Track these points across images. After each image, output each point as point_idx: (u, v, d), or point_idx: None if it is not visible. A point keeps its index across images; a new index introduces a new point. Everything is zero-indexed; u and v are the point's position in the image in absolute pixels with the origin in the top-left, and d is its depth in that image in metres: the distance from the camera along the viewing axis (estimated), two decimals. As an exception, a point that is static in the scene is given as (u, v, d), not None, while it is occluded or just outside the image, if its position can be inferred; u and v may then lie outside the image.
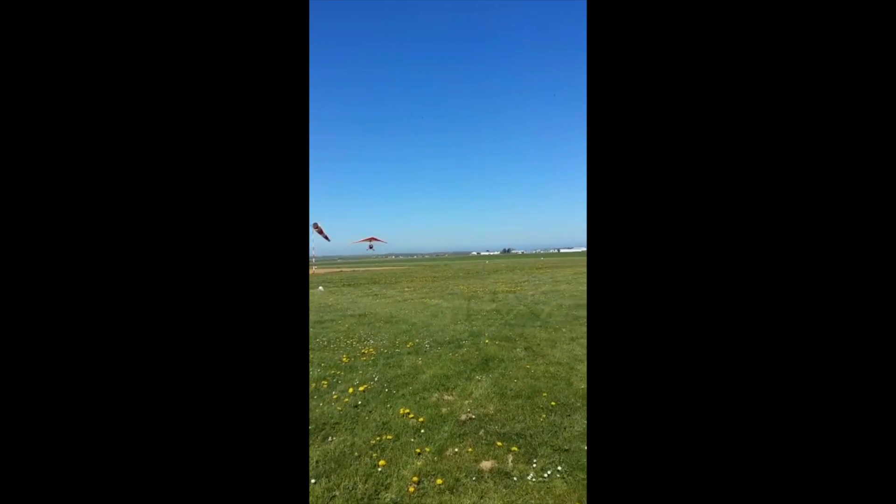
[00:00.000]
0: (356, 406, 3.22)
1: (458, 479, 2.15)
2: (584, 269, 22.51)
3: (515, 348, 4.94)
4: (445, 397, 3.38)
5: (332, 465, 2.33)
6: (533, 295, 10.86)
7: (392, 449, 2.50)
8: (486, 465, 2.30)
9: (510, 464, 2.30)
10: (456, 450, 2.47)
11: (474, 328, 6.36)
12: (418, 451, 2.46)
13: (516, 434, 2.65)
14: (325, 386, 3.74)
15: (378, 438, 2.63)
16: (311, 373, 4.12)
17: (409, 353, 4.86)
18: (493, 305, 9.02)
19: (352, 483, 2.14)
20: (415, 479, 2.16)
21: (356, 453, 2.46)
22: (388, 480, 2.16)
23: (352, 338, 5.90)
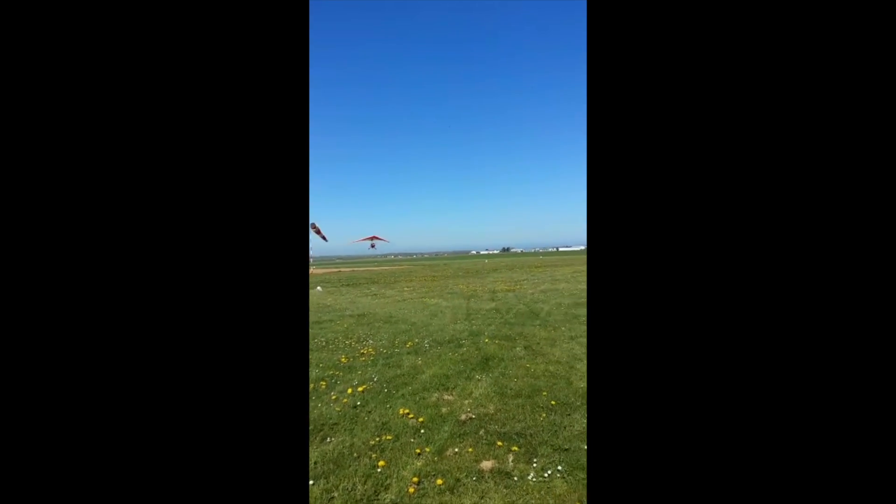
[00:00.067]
0: (355, 406, 3.20)
1: (458, 480, 2.14)
2: (583, 268, 22.54)
3: (515, 347, 4.94)
4: (445, 397, 3.36)
5: (331, 465, 2.31)
6: (532, 294, 10.85)
7: (392, 449, 2.49)
8: (487, 464, 2.28)
9: (510, 464, 2.29)
10: (456, 450, 2.46)
11: (474, 327, 6.35)
12: (418, 451, 2.44)
13: (516, 433, 2.64)
14: (323, 387, 3.72)
15: (377, 439, 2.62)
16: (309, 373, 4.10)
17: (408, 353, 4.85)
18: (493, 304, 9.01)
19: (351, 484, 2.13)
20: (415, 479, 2.14)
21: (355, 454, 2.44)
22: (388, 481, 2.15)
23: (350, 338, 5.89)
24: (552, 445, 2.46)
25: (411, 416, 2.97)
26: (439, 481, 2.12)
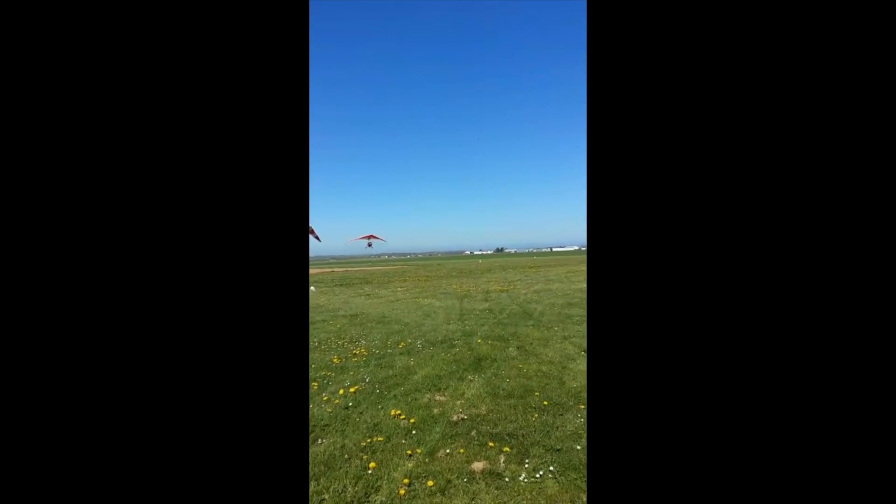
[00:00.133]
0: (347, 408, 3.18)
1: (449, 481, 2.13)
2: (576, 268, 22.64)
3: (508, 347, 4.94)
4: (437, 398, 3.35)
5: (322, 467, 2.29)
6: (525, 294, 10.87)
7: (383, 451, 2.47)
8: (478, 465, 2.27)
9: (502, 464, 2.28)
10: (447, 451, 2.45)
11: (467, 328, 6.35)
12: (409, 452, 2.43)
13: (508, 434, 2.63)
14: (315, 388, 3.69)
15: (369, 440, 2.60)
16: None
17: (401, 354, 4.83)
18: (486, 305, 9.01)
19: (341, 486, 2.11)
20: (405, 481, 2.13)
21: (346, 455, 2.42)
22: (379, 483, 2.13)
23: (343, 338, 5.85)
24: (544, 446, 2.46)
25: (403, 417, 2.96)
26: (430, 483, 2.11)
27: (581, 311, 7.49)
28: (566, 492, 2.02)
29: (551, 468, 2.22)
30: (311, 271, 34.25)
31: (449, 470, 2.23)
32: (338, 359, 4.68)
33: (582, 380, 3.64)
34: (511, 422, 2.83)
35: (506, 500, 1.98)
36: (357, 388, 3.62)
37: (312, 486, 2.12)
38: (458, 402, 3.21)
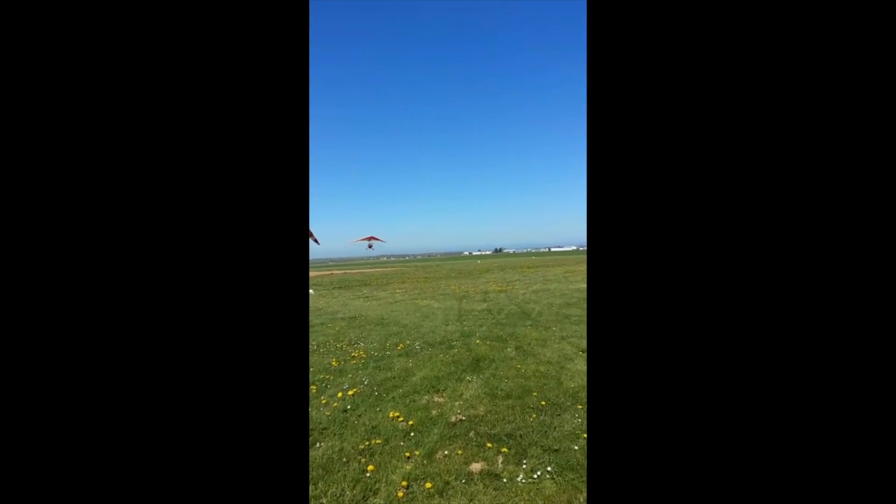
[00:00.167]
0: (345, 410, 3.18)
1: (447, 483, 2.13)
2: (574, 268, 22.66)
3: (506, 348, 4.94)
4: (436, 399, 3.36)
5: (320, 471, 2.29)
6: (524, 294, 10.88)
7: (381, 453, 2.47)
8: (476, 467, 2.28)
9: (500, 465, 2.29)
10: (446, 452, 2.45)
11: (465, 328, 6.35)
12: (407, 454, 2.43)
13: (506, 435, 2.64)
14: (313, 391, 3.69)
15: (367, 443, 2.60)
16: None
17: (399, 356, 4.83)
18: (485, 305, 9.02)
19: (339, 489, 2.11)
20: (404, 483, 2.13)
21: (344, 458, 2.42)
22: (377, 485, 2.13)
23: (342, 341, 5.85)
24: (542, 446, 2.47)
25: (401, 419, 2.96)
26: (428, 485, 2.11)
27: (579, 311, 7.50)
28: (564, 492, 2.03)
29: (549, 469, 2.22)
30: (310, 274, 34.15)
31: (447, 471, 2.23)
32: (336, 361, 4.68)
33: (579, 380, 3.65)
34: (509, 422, 2.83)
35: (504, 501, 1.99)
36: (355, 391, 3.62)
37: (310, 489, 2.12)
38: (457, 404, 3.21)
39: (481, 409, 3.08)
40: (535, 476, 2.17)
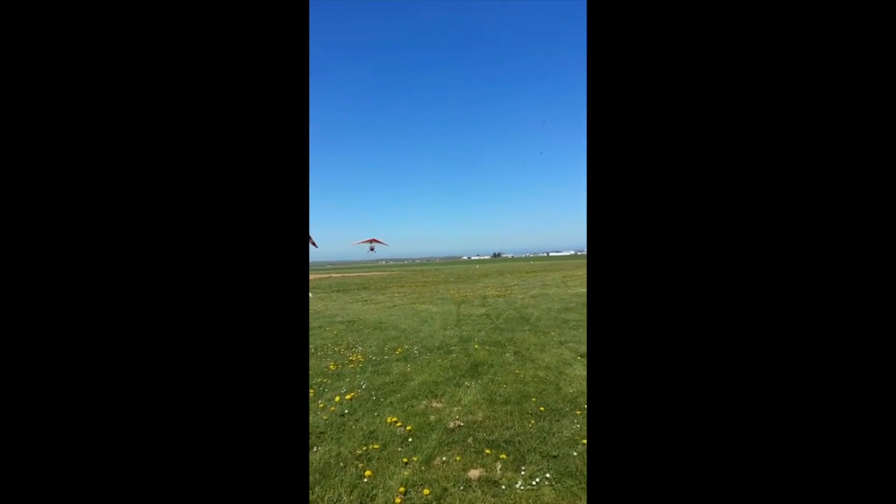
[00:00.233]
0: (342, 415, 3.16)
1: (445, 489, 2.11)
2: (573, 273, 22.66)
3: (505, 353, 4.92)
4: (434, 404, 3.34)
5: (317, 476, 2.27)
6: (522, 299, 10.87)
7: (378, 459, 2.45)
8: (475, 473, 2.26)
9: (498, 472, 2.27)
10: (444, 458, 2.43)
11: (464, 333, 6.33)
12: (405, 460, 2.41)
13: (505, 441, 2.62)
14: (311, 395, 3.67)
15: (364, 448, 2.58)
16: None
17: (397, 360, 4.81)
18: (483, 310, 9.00)
19: (336, 495, 2.09)
20: (401, 489, 2.11)
21: (341, 464, 2.40)
22: (374, 491, 2.11)
23: (340, 345, 5.83)
24: (541, 452, 2.45)
25: (399, 424, 2.94)
26: (426, 491, 2.09)
27: (577, 316, 7.49)
28: (563, 499, 2.01)
29: (548, 475, 2.21)
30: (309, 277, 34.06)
31: (445, 478, 2.21)
32: (334, 365, 4.66)
33: (578, 385, 3.63)
34: (507, 428, 2.82)
35: (502, 507, 1.97)
36: (353, 395, 3.60)
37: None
38: (455, 409, 3.20)
39: (480, 415, 3.06)
40: (534, 483, 2.15)
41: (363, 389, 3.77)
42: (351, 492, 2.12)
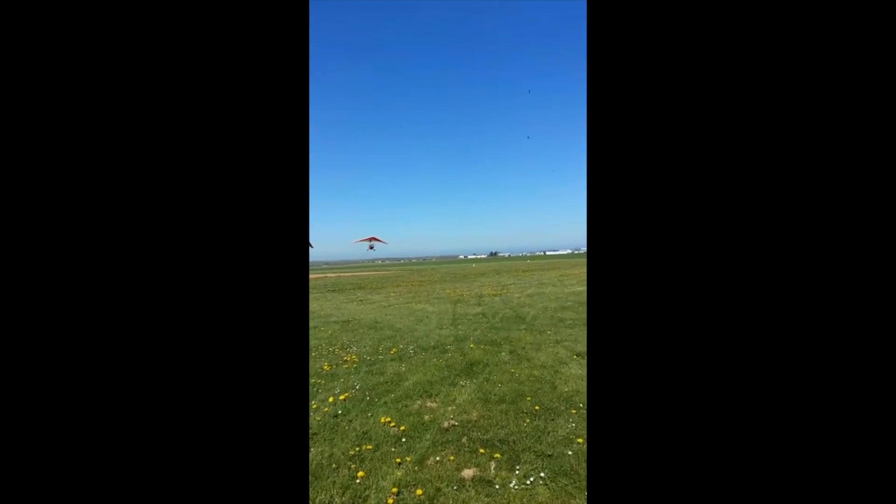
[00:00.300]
0: (336, 415, 3.13)
1: (438, 489, 2.09)
2: (569, 272, 22.72)
3: (500, 352, 4.91)
4: (428, 404, 3.31)
5: (309, 477, 2.24)
6: (518, 298, 10.87)
7: (371, 459, 2.43)
8: (468, 473, 2.24)
9: (492, 471, 2.25)
10: (437, 458, 2.41)
11: (459, 332, 6.31)
12: (398, 460, 2.39)
13: (499, 440, 2.61)
14: (304, 395, 3.64)
15: (357, 448, 2.56)
16: (290, 382, 4.02)
17: (392, 360, 4.79)
18: (479, 309, 8.99)
19: (328, 496, 2.07)
20: (394, 490, 2.09)
21: (334, 465, 2.38)
22: (367, 492, 2.09)
23: (334, 345, 5.79)
24: (535, 452, 2.44)
25: (393, 424, 2.92)
26: (419, 491, 2.07)
27: (573, 315, 7.49)
28: (557, 498, 2.00)
29: (542, 474, 2.19)
30: (304, 277, 33.94)
31: (438, 478, 2.19)
32: (328, 365, 4.63)
33: (573, 384, 3.62)
34: (502, 427, 2.80)
35: (496, 508, 1.95)
36: (347, 396, 3.57)
37: (299, 497, 2.07)
38: (450, 409, 3.18)
39: (474, 414, 3.04)
40: (528, 482, 2.13)
41: (357, 390, 3.74)
42: (343, 493, 2.09)
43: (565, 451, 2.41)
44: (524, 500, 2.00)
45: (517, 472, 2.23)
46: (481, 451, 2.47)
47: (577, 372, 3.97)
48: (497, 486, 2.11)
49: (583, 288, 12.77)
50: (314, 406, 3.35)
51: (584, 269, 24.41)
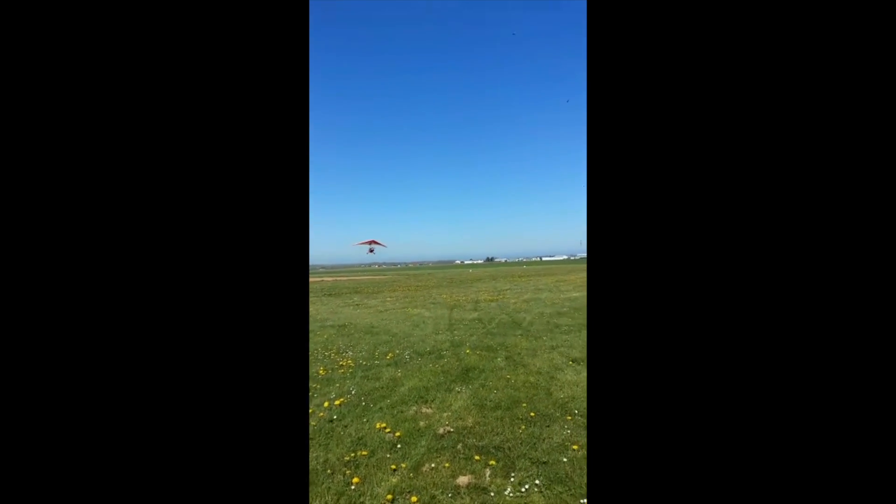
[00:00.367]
0: (331, 421, 3.12)
1: (433, 496, 2.09)
2: (565, 278, 22.76)
3: (496, 358, 4.91)
4: (424, 410, 3.31)
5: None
6: (515, 303, 10.87)
7: (366, 465, 2.42)
8: (463, 480, 2.24)
9: (487, 478, 2.25)
10: (433, 465, 2.41)
11: (456, 338, 6.31)
12: (394, 467, 2.38)
13: (494, 447, 2.60)
14: (299, 400, 3.62)
15: (352, 454, 2.55)
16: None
17: (388, 365, 4.77)
18: (476, 314, 8.99)
19: (323, 502, 2.06)
20: (389, 496, 2.08)
21: (329, 470, 2.37)
22: (362, 499, 2.08)
23: (330, 349, 5.77)
24: (530, 458, 2.44)
25: (388, 430, 2.91)
26: (414, 498, 2.06)
27: (569, 321, 7.51)
28: (552, 506, 2.00)
29: (537, 482, 2.19)
30: (300, 281, 33.78)
31: (433, 485, 2.19)
32: (324, 370, 4.61)
33: (569, 391, 3.62)
34: (497, 434, 2.80)
35: (491, 515, 1.95)
36: (342, 401, 3.55)
37: (293, 503, 2.06)
38: (445, 415, 3.17)
39: (470, 421, 3.04)
40: (524, 489, 2.13)
41: (352, 395, 3.73)
42: (338, 499, 2.08)
43: (560, 458, 2.42)
44: (519, 507, 1.99)
45: (512, 479, 2.23)
46: (476, 457, 2.47)
47: (572, 378, 3.97)
48: (492, 494, 2.10)
49: (578, 294, 12.79)
50: (310, 411, 3.33)
51: (580, 275, 24.44)
